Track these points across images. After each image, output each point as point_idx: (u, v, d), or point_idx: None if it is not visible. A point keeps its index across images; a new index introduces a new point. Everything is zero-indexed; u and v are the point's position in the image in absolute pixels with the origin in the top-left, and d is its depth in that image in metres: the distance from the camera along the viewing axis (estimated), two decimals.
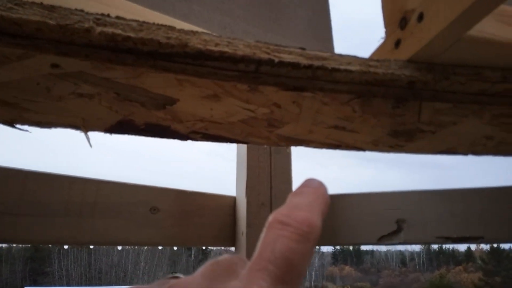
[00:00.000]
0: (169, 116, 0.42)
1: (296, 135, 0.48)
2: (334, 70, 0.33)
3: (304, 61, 0.33)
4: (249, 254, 0.73)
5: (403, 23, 0.36)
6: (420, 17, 0.33)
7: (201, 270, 0.19)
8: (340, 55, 0.34)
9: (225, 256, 0.20)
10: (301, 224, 0.17)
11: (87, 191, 0.61)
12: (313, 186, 0.21)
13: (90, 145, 0.42)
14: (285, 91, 0.35)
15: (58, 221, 0.58)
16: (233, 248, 0.78)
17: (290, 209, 0.18)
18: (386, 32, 0.39)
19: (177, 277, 0.22)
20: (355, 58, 0.34)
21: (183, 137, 0.48)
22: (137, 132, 0.47)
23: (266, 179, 0.78)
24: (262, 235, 0.18)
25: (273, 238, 0.17)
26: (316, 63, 0.33)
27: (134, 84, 0.34)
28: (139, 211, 0.65)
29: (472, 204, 0.76)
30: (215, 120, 0.43)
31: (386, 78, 0.35)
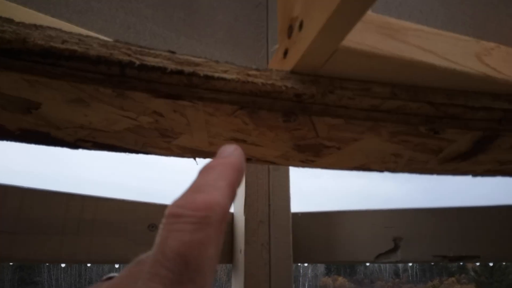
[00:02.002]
0: (41, 121, 0.37)
1: (197, 147, 0.45)
2: (207, 77, 0.31)
3: (171, 66, 0.30)
4: (247, 272, 0.72)
5: (290, 31, 0.34)
6: (300, 25, 0.31)
7: (124, 271, 0.17)
8: (217, 62, 0.31)
9: (150, 252, 0.17)
10: (197, 210, 0.15)
11: (85, 208, 0.61)
12: (222, 156, 0.18)
13: None
14: (159, 99, 0.32)
15: (55, 239, 0.58)
16: (230, 265, 0.77)
17: (187, 195, 0.16)
18: (278, 40, 0.37)
19: (111, 277, 0.20)
20: (232, 66, 0.32)
21: (71, 145, 0.44)
22: (14, 138, 0.42)
23: (265, 196, 0.78)
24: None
25: (164, 235, 0.15)
26: (187, 69, 0.30)
27: None
28: (137, 228, 0.66)
29: (467, 223, 0.77)
30: (98, 128, 0.39)
31: (266, 89, 0.32)
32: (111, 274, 0.22)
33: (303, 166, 0.52)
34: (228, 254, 0.77)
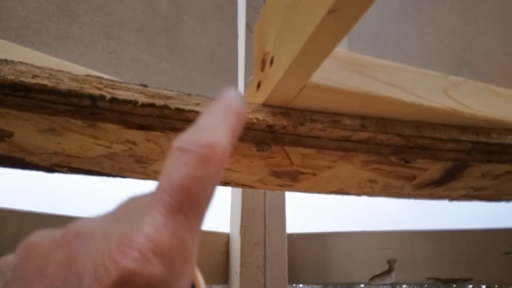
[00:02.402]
0: (15, 148, 0.37)
1: None
2: (179, 110, 0.31)
3: (143, 99, 0.30)
4: None
5: (263, 65, 0.35)
6: (271, 61, 0.32)
7: (113, 208, 0.17)
8: (189, 95, 0.32)
9: (147, 192, 0.18)
10: (202, 147, 0.16)
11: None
12: (225, 100, 0.19)
13: None
14: (131, 130, 0.32)
15: None
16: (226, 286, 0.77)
17: (193, 132, 0.17)
18: (253, 72, 0.38)
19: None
20: (204, 99, 0.32)
21: (46, 169, 0.44)
22: None
23: (261, 218, 0.78)
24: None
25: (171, 166, 0.16)
26: (158, 102, 0.31)
27: None
28: None
29: (460, 246, 0.77)
30: (73, 154, 0.39)
31: None
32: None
33: (281, 190, 0.53)
34: (223, 275, 0.77)
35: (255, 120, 0.33)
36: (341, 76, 0.32)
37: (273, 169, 0.44)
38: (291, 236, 0.85)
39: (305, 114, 0.35)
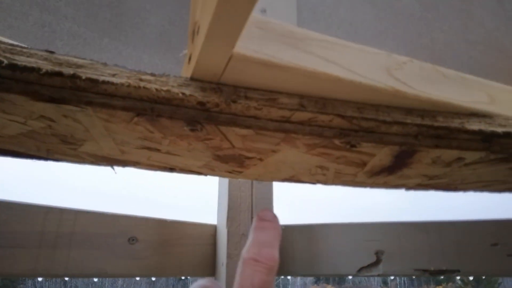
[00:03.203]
0: None
1: (110, 155, 0.42)
2: (92, 80, 0.28)
3: (48, 67, 0.27)
4: (228, 285, 0.70)
5: (193, 36, 0.32)
6: (198, 30, 0.29)
7: None
8: (104, 64, 0.29)
9: (207, 282, 0.26)
10: (269, 260, 0.23)
11: (63, 221, 0.61)
12: (271, 220, 0.29)
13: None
14: (40, 102, 0.29)
15: (32, 253, 0.57)
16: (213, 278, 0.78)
17: (259, 247, 0.24)
18: (188, 45, 0.35)
19: None
20: (123, 70, 0.29)
21: None
22: None
23: (247, 209, 0.77)
24: (240, 269, 0.24)
25: (250, 273, 0.23)
26: (66, 70, 0.27)
27: None
28: (117, 241, 0.65)
29: (448, 237, 0.78)
30: None
31: (162, 95, 0.30)
32: None
33: (232, 177, 0.50)
34: (210, 267, 0.77)
35: (181, 96, 0.30)
36: (273, 48, 0.29)
37: (215, 153, 0.41)
38: None
39: (239, 91, 0.32)
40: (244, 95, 0.32)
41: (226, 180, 0.81)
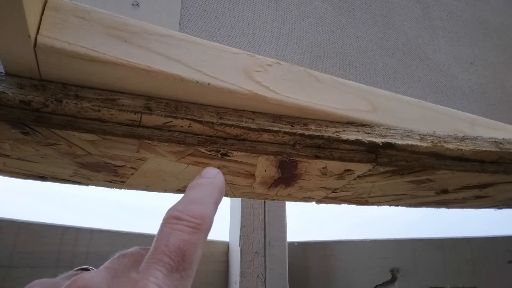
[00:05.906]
0: None
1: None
2: None
3: None
4: None
5: None
6: None
7: (107, 263, 0.20)
8: None
9: (133, 248, 0.22)
10: (194, 217, 0.19)
11: (79, 241, 0.62)
12: (209, 176, 0.23)
13: None
14: None
15: (49, 273, 0.57)
16: None
17: (185, 204, 0.20)
18: None
19: (85, 269, 0.24)
20: None
21: None
22: None
23: (260, 227, 0.76)
24: (158, 229, 0.19)
25: (168, 232, 0.19)
26: None
27: None
28: None
29: (463, 253, 0.75)
30: None
31: None
32: (86, 266, 0.25)
33: (115, 187, 0.46)
34: (223, 285, 0.75)
35: None
36: (95, 41, 0.26)
37: (76, 160, 0.37)
38: (292, 244, 0.81)
39: (68, 89, 0.28)
40: (75, 94, 0.28)
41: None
